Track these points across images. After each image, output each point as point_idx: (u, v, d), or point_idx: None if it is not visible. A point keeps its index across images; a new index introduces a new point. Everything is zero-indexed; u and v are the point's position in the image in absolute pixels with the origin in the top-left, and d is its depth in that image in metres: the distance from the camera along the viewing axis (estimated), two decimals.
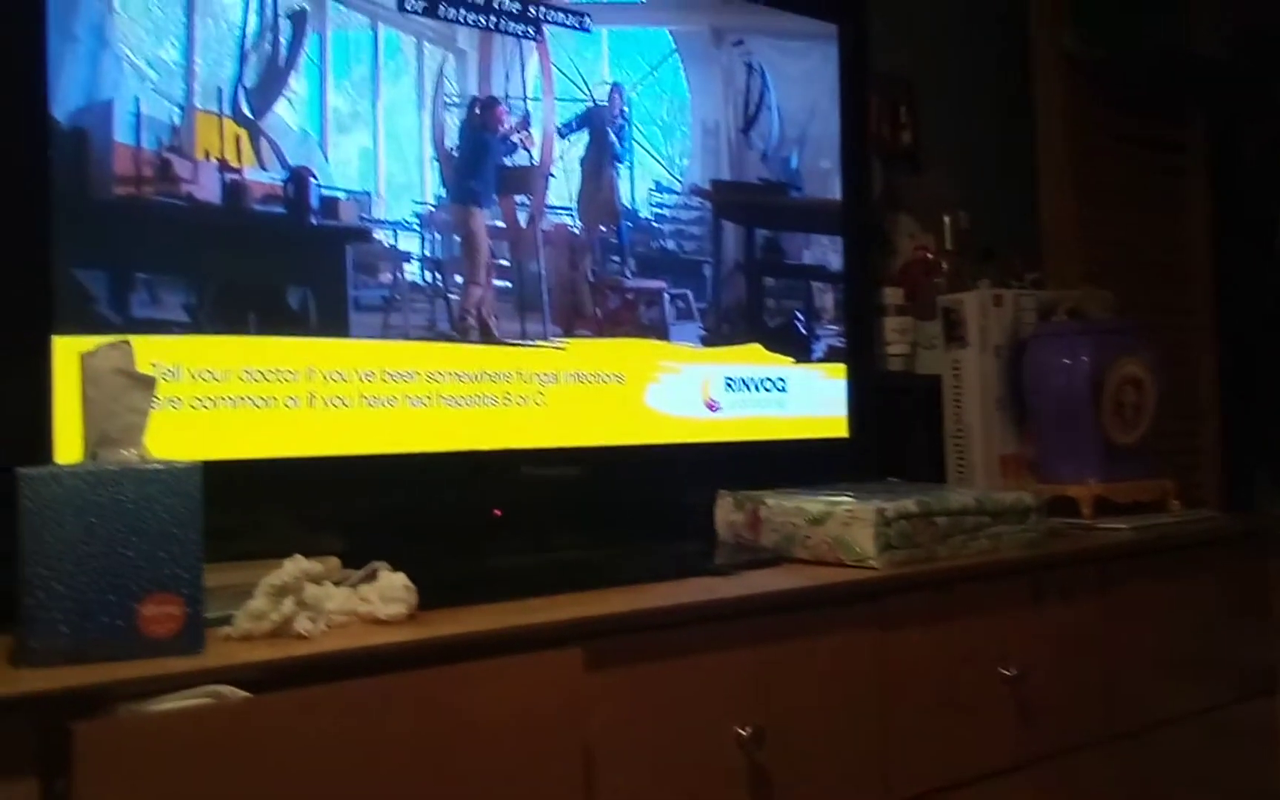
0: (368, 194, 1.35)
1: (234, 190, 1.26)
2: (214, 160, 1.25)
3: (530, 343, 1.46)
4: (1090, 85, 2.16)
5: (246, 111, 1.28)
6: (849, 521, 1.39)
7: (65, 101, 1.15)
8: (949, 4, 2.22)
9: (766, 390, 1.69)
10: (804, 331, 1.73)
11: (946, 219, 1.99)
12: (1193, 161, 2.34)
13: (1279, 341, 2.25)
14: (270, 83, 1.29)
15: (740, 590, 1.27)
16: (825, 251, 1.76)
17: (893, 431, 1.83)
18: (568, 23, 1.51)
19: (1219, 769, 1.75)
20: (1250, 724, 1.84)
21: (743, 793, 1.19)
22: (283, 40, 1.31)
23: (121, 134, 1.19)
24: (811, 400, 1.73)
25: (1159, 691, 1.67)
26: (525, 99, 1.49)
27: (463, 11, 1.43)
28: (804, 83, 1.74)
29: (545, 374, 1.47)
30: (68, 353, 1.10)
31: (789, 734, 1.24)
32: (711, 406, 1.62)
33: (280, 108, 1.30)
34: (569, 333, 1.50)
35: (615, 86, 1.56)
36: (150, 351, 1.16)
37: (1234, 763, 1.81)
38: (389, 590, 1.08)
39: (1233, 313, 2.35)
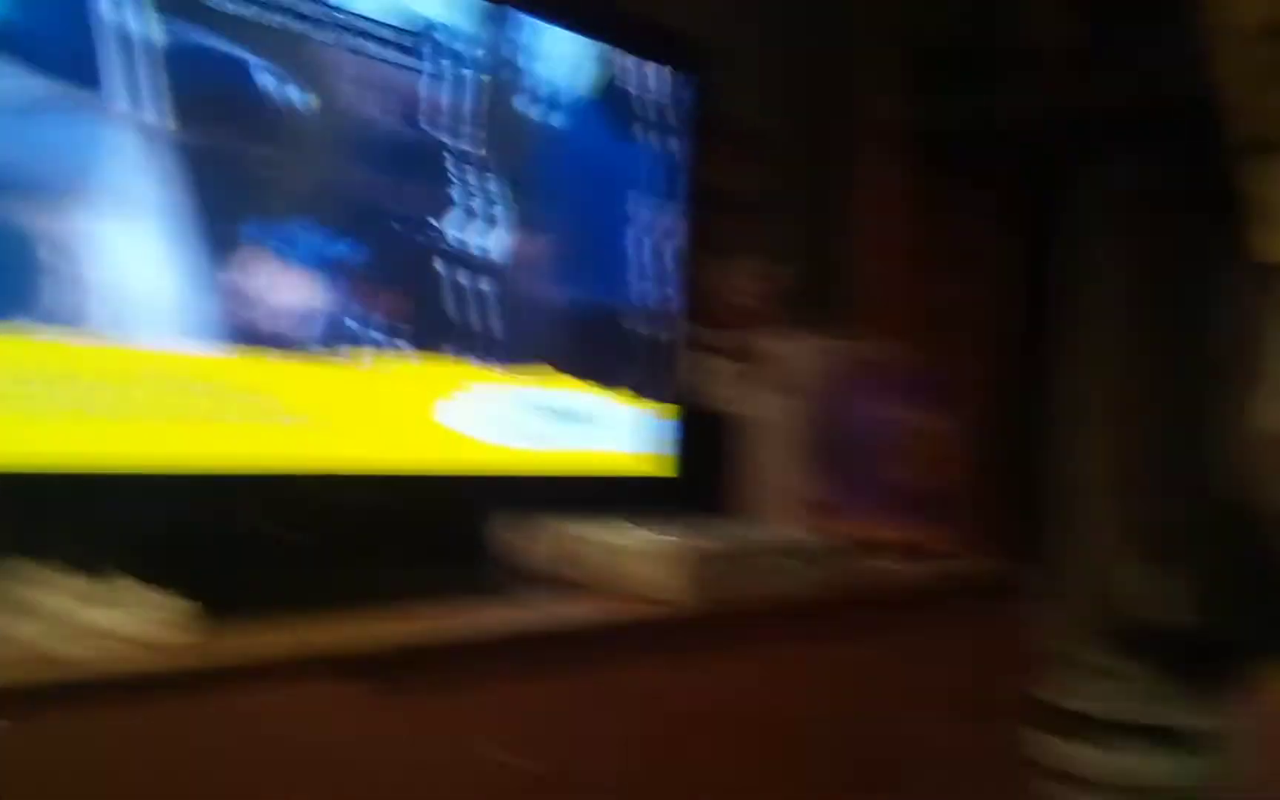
0: None
1: None
2: None
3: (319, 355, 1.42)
4: (912, 150, 2.28)
5: None
6: (655, 556, 1.43)
7: None
8: (775, 56, 2.30)
9: (578, 420, 1.71)
10: (621, 363, 1.77)
11: (767, 266, 2.07)
12: (996, 232, 2.50)
13: (1051, 401, 2.43)
14: None
15: (537, 621, 1.28)
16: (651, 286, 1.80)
17: (705, 469, 1.89)
18: None
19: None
20: (1006, 758, 1.98)
21: None
22: None
23: None
24: (625, 433, 1.77)
25: (926, 728, 1.78)
26: None
27: None
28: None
29: (337, 390, 1.43)
30: None
31: (575, 769, 1.25)
32: (522, 434, 1.63)
33: None
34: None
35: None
36: None
37: (991, 796, 1.94)
38: (154, 609, 1.04)
39: (1016, 369, 2.52)
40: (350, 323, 1.43)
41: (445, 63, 1.52)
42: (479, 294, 1.58)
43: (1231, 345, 2.17)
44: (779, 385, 1.91)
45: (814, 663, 1.56)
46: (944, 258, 2.41)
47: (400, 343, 1.48)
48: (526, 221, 1.62)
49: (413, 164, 1.51)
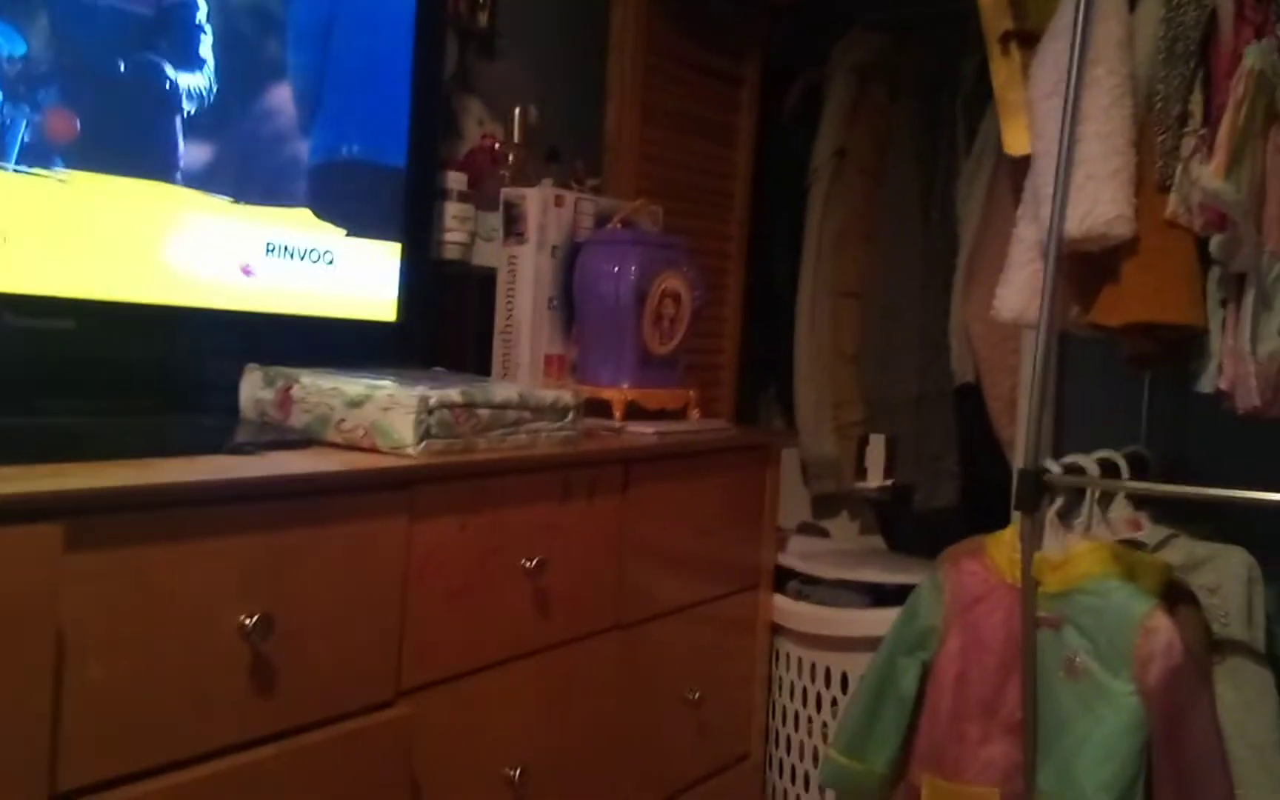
0: None
1: None
2: None
3: (20, 169, 1.25)
4: (663, 9, 2.23)
5: None
6: (388, 406, 1.34)
7: None
8: None
9: (310, 260, 1.58)
10: (356, 205, 1.64)
11: (516, 111, 1.97)
12: (746, 96, 2.51)
13: (791, 276, 2.49)
14: None
15: (255, 471, 1.18)
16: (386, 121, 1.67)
17: (443, 320, 1.80)
18: None
19: (706, 654, 1.94)
20: (738, 615, 2.06)
21: (242, 682, 1.12)
22: None
23: None
24: (358, 278, 1.65)
25: (665, 585, 1.81)
26: None
27: None
28: None
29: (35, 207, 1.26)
30: None
31: (300, 623, 1.18)
32: (246, 271, 1.49)
33: None
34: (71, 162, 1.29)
35: None
36: None
37: (724, 648, 2.02)
38: None
39: (759, 242, 2.57)
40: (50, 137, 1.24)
41: None
42: (201, 123, 1.41)
43: (972, 233, 2.27)
44: (522, 236, 1.83)
45: (555, 519, 1.54)
46: (696, 121, 2.39)
47: (106, 162, 1.31)
48: (251, 53, 1.45)
49: None
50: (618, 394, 1.82)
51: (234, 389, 1.45)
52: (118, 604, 1.01)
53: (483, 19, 2.01)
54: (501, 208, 1.85)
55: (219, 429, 1.33)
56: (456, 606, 1.38)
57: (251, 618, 1.11)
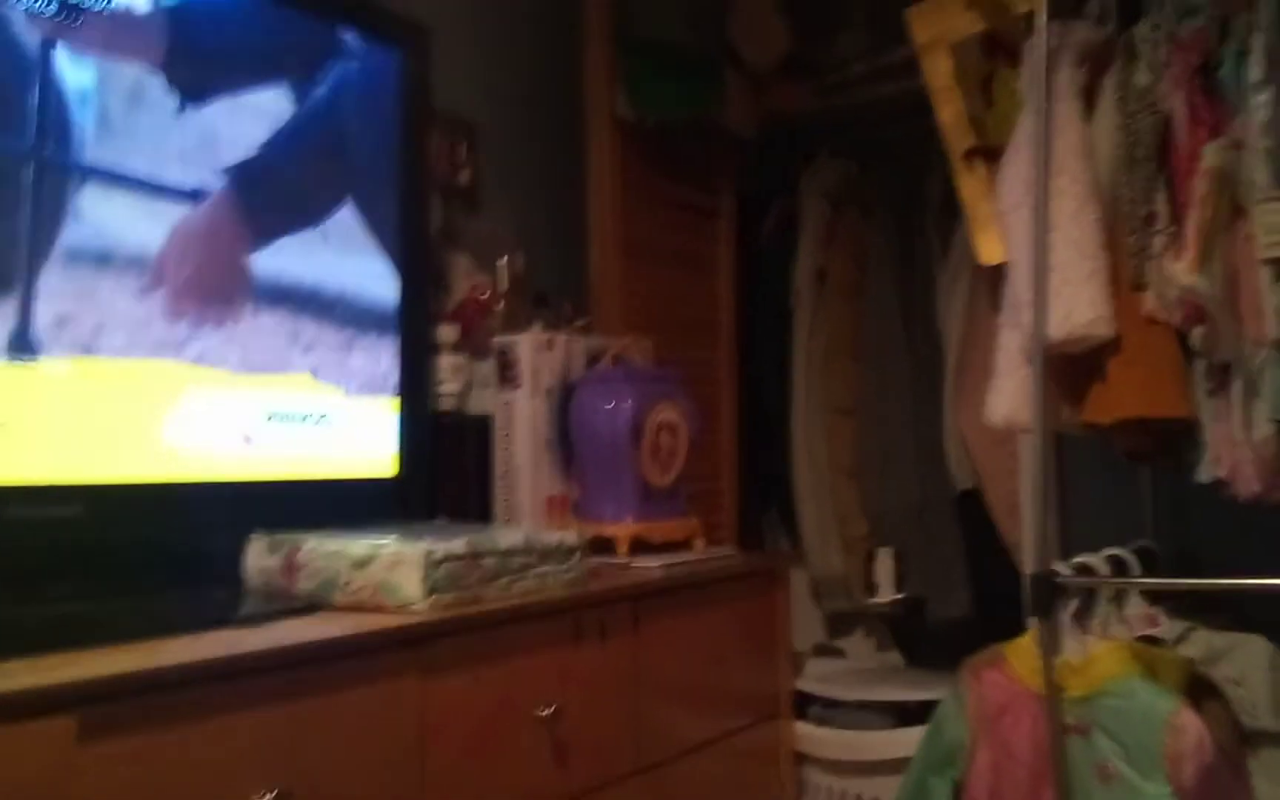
0: None
1: None
2: None
3: (20, 358, 1.26)
4: (638, 148, 2.30)
5: None
6: (394, 564, 1.33)
7: None
8: (511, 51, 2.26)
9: (310, 423, 1.59)
10: (354, 363, 1.65)
11: (502, 261, 2.01)
12: (724, 227, 2.57)
13: (783, 398, 2.51)
14: None
15: (264, 643, 1.16)
16: (379, 283, 1.70)
17: (443, 471, 1.81)
18: None
19: (734, 791, 1.89)
20: (760, 745, 2.02)
21: None
22: None
23: None
24: (358, 436, 1.66)
25: (683, 722, 1.77)
26: None
27: None
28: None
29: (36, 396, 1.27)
30: None
31: (319, 794, 1.15)
32: (246, 440, 1.50)
33: None
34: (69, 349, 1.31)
35: None
36: None
37: (747, 783, 1.97)
38: None
39: (748, 367, 2.60)
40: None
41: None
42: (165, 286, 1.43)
43: (956, 341, 2.30)
44: (516, 382, 1.85)
45: (568, 663, 1.51)
46: (678, 255, 2.44)
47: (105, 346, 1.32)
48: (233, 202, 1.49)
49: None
50: (622, 530, 1.82)
51: (238, 559, 1.45)
52: (131, 791, 0.98)
53: (464, 177, 2.07)
54: (494, 355, 1.88)
55: (225, 602, 1.32)
56: (474, 762, 1.35)
57: (270, 794, 1.09)
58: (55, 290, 1.30)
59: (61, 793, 0.92)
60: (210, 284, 1.47)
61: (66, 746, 0.92)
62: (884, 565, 2.41)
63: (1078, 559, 1.72)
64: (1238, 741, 1.61)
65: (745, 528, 2.57)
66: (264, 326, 1.54)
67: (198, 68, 1.45)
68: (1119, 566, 1.74)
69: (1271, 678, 1.70)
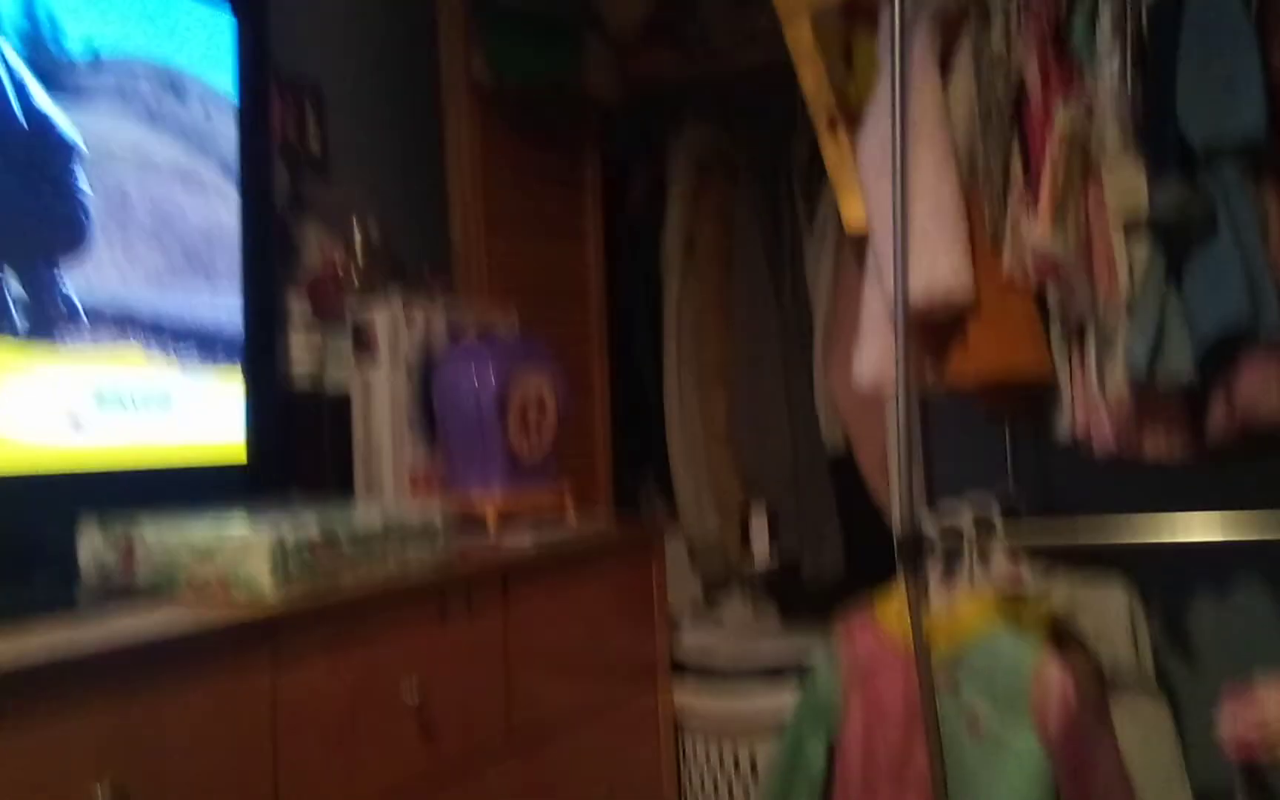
0: None
1: None
2: None
3: None
4: (499, 115, 2.24)
5: None
6: (242, 552, 1.26)
7: None
8: (358, 13, 2.16)
9: (149, 405, 1.49)
10: (197, 336, 1.56)
11: (356, 230, 1.92)
12: (590, 197, 2.52)
13: (655, 364, 2.49)
14: None
15: (100, 635, 1.08)
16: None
17: (298, 449, 1.72)
18: None
19: (609, 761, 1.87)
20: (639, 715, 2.00)
21: None
22: None
23: None
24: (203, 415, 1.56)
25: (558, 696, 1.74)
26: None
27: None
28: None
29: None
30: None
31: (164, 794, 1.08)
32: (74, 425, 1.39)
33: None
34: None
35: None
36: None
37: (627, 753, 1.95)
38: None
39: (621, 336, 2.57)
40: None
41: None
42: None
43: (824, 305, 2.31)
44: (374, 356, 1.78)
45: (434, 644, 1.46)
46: (544, 224, 2.39)
47: None
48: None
49: None
50: (490, 504, 1.77)
51: (71, 551, 1.35)
52: None
53: (313, 144, 1.97)
54: (350, 328, 1.79)
55: (56, 597, 1.22)
56: (334, 753, 1.30)
57: (107, 792, 1.02)
58: None
59: None
60: None
61: None
62: (758, 528, 2.42)
63: (940, 512, 1.74)
64: (1101, 689, 1.66)
65: (622, 496, 2.55)
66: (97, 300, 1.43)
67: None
68: (981, 521, 1.77)
69: (1130, 624, 1.76)
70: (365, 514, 1.45)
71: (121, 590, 1.28)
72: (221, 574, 1.26)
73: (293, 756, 1.24)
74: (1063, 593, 1.77)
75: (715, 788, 2.08)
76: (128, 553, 1.31)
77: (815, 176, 2.27)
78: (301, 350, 1.75)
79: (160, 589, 1.28)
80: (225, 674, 1.17)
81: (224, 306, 1.61)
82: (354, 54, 2.14)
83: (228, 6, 1.63)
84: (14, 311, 1.34)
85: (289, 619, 1.25)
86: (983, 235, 1.61)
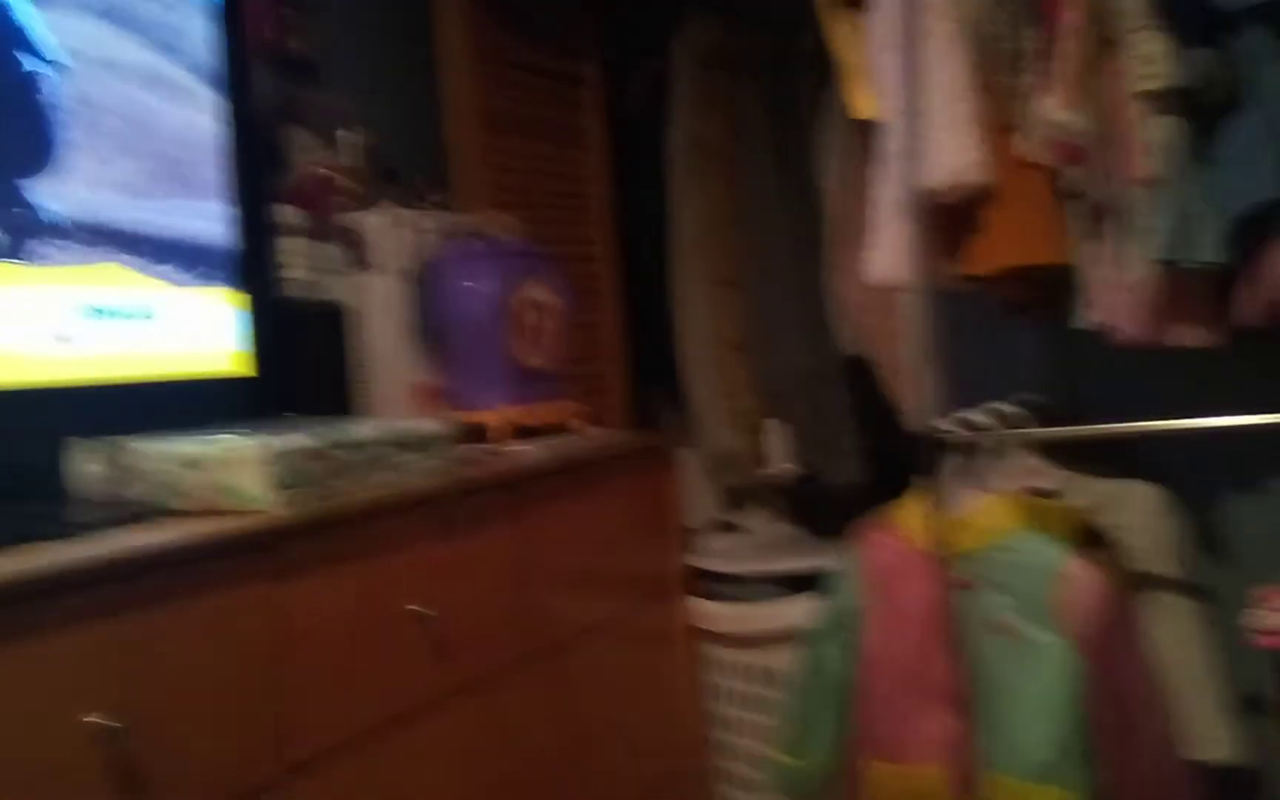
0: None
1: None
2: None
3: None
4: (490, 9, 2.16)
5: None
6: (233, 462, 1.22)
7: None
8: None
9: (135, 318, 1.45)
10: (182, 248, 1.51)
11: (344, 133, 1.85)
12: (589, 95, 2.44)
13: (664, 272, 2.43)
14: None
15: (91, 553, 1.05)
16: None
17: (292, 363, 1.68)
18: None
19: (629, 673, 1.85)
20: (656, 625, 1.98)
21: (100, 793, 0.99)
22: None
23: None
24: (193, 329, 1.52)
25: (572, 607, 1.71)
26: None
27: None
28: None
29: None
30: None
31: (161, 715, 1.06)
32: (61, 338, 1.35)
33: None
34: None
35: None
36: None
37: (645, 663, 1.93)
38: None
39: (628, 244, 2.50)
40: None
41: None
42: None
43: (835, 202, 2.23)
44: (367, 263, 1.72)
45: (440, 556, 1.43)
46: (542, 125, 2.31)
47: None
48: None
49: None
50: (494, 415, 1.73)
51: (59, 469, 1.31)
52: None
53: (295, 43, 1.89)
54: (341, 236, 1.74)
55: (44, 515, 1.19)
56: (342, 669, 1.27)
57: (102, 718, 0.99)
58: None
59: None
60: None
61: None
62: (774, 437, 2.37)
63: (960, 414, 1.69)
64: (1127, 587, 1.61)
65: (636, 410, 2.50)
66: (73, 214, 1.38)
67: None
68: (1003, 421, 1.71)
69: (1158, 523, 1.70)
70: (360, 424, 1.41)
71: (112, 506, 1.24)
72: (215, 485, 1.22)
73: (296, 674, 1.22)
74: (1088, 490, 1.72)
75: (742, 701, 2.06)
76: (118, 469, 1.27)
77: (822, 69, 2.18)
78: (292, 260, 1.69)
79: (152, 505, 1.24)
80: (223, 589, 1.14)
81: (206, 217, 1.55)
82: None
83: None
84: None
85: (287, 529, 1.21)
86: (997, 116, 1.54)
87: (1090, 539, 1.59)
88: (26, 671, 0.96)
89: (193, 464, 1.23)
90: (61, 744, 0.98)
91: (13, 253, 1.31)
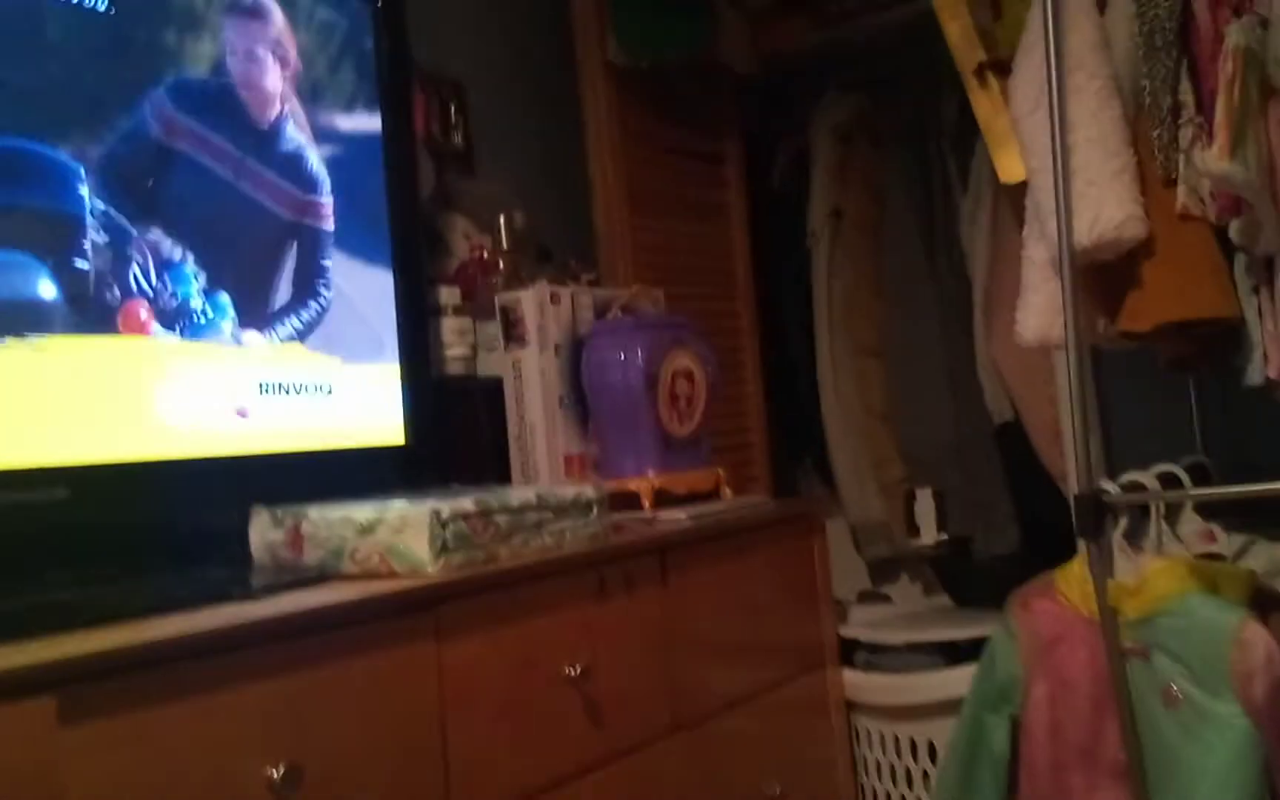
0: None
1: None
2: None
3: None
4: (635, 95, 2.24)
5: None
6: (401, 527, 1.28)
7: None
8: (495, 7, 2.20)
9: (310, 394, 1.54)
10: (351, 332, 1.61)
11: (502, 218, 1.95)
12: (732, 172, 2.49)
13: (809, 340, 2.43)
14: None
15: (263, 612, 1.11)
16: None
17: (454, 436, 1.75)
18: None
19: (779, 744, 1.83)
20: (807, 696, 1.95)
21: None
22: None
23: None
24: (362, 405, 1.60)
25: (720, 676, 1.71)
26: None
27: None
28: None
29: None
30: None
31: (332, 768, 1.10)
32: (241, 414, 1.45)
33: None
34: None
35: None
36: None
37: (796, 734, 1.90)
38: None
39: (769, 313, 2.53)
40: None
41: None
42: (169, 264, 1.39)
43: (982, 268, 2.22)
44: (523, 339, 1.79)
45: (593, 620, 1.45)
46: (686, 203, 2.37)
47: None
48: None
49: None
50: (643, 483, 1.75)
51: (245, 537, 1.40)
52: (124, 774, 0.94)
53: (457, 138, 2.01)
54: (498, 314, 1.81)
55: (229, 579, 1.27)
56: (502, 727, 1.30)
57: (278, 770, 1.04)
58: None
59: (46, 776, 0.87)
60: None
61: (48, 729, 0.87)
62: (924, 506, 2.34)
63: (1126, 477, 1.63)
64: None
65: (780, 480, 2.50)
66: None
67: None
68: (1170, 483, 1.65)
69: None
70: (519, 491, 1.45)
71: (290, 571, 1.32)
72: (385, 548, 1.28)
73: (461, 730, 1.25)
74: (1263, 553, 1.63)
75: (894, 775, 2.00)
76: (295, 535, 1.34)
77: (965, 135, 2.18)
78: (453, 338, 1.78)
79: (327, 569, 1.31)
80: (390, 647, 1.19)
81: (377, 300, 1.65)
82: (492, 46, 2.17)
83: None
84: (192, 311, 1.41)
85: (449, 588, 1.26)
86: (1153, 169, 1.51)
87: (1267, 603, 1.50)
88: (205, 724, 1.01)
89: (366, 529, 1.29)
90: (241, 795, 1.02)
91: (204, 333, 1.42)
